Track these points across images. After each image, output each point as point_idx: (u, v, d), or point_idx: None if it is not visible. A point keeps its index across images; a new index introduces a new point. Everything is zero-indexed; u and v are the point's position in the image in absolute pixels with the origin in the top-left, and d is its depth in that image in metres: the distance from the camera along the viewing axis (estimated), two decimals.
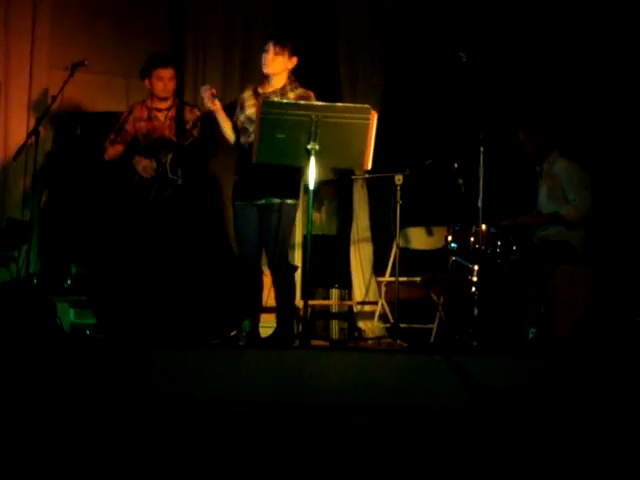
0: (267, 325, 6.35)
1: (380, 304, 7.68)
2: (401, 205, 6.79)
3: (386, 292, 7.68)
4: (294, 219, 6.26)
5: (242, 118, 6.06)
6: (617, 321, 6.01)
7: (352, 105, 5.85)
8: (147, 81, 6.49)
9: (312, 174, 5.37)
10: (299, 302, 7.06)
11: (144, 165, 6.36)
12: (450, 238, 6.27)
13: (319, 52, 7.98)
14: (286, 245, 6.07)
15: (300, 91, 6.00)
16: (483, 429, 4.39)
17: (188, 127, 6.41)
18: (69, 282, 7.41)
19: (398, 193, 6.77)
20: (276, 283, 6.11)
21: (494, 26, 7.81)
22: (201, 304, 6.76)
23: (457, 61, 5.83)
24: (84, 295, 7.13)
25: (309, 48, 6.80)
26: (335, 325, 8.28)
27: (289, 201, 5.99)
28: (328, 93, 6.56)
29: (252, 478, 4.06)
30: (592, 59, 7.44)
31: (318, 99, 5.88)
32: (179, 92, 7.09)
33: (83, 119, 7.88)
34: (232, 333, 6.53)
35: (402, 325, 6.90)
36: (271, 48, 5.94)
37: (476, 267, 5.92)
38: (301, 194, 6.64)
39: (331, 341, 7.80)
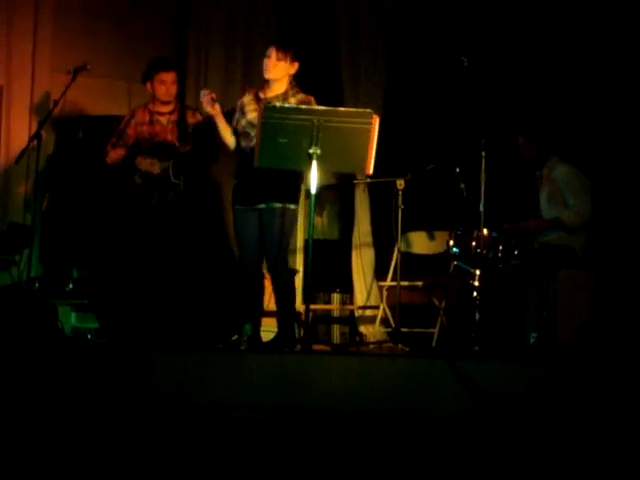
0: (268, 329, 6.35)
1: (382, 308, 7.69)
2: (403, 210, 6.79)
3: (388, 296, 7.69)
4: (294, 224, 6.26)
5: (243, 122, 6.06)
6: (619, 325, 6.01)
7: (354, 110, 5.86)
8: (149, 85, 6.49)
9: (314, 178, 5.37)
10: (300, 306, 7.06)
11: (150, 161, 6.35)
12: (452, 242, 6.27)
13: (321, 55, 7.99)
14: (286, 249, 6.06)
15: (301, 96, 6.00)
16: (485, 434, 4.39)
17: (189, 131, 6.42)
18: (71, 286, 7.41)
19: (400, 197, 6.78)
20: (276, 287, 6.11)
21: (495, 30, 7.82)
22: (202, 308, 6.76)
23: (459, 65, 5.84)
24: (86, 299, 7.13)
25: (311, 51, 6.82)
26: (337, 329, 8.28)
27: (290, 206, 5.99)
28: (330, 97, 6.57)
29: None
30: (591, 63, 7.46)
31: (319, 103, 5.88)
32: (181, 96, 7.09)
33: (85, 123, 7.89)
34: (233, 337, 6.54)
35: (404, 329, 6.90)
36: (273, 54, 5.94)
37: (478, 272, 5.92)
38: (302, 199, 6.65)
39: (332, 345, 7.80)
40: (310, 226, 5.45)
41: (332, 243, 8.63)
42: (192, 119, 6.48)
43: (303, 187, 6.47)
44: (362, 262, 8.04)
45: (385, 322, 7.68)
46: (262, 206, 5.98)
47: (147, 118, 6.50)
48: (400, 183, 6.84)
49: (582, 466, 4.15)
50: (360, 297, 8.04)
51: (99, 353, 5.02)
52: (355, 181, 7.85)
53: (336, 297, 8.28)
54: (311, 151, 5.34)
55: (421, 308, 7.53)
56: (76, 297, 7.28)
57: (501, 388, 4.51)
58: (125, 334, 6.30)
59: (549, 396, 4.50)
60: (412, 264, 7.43)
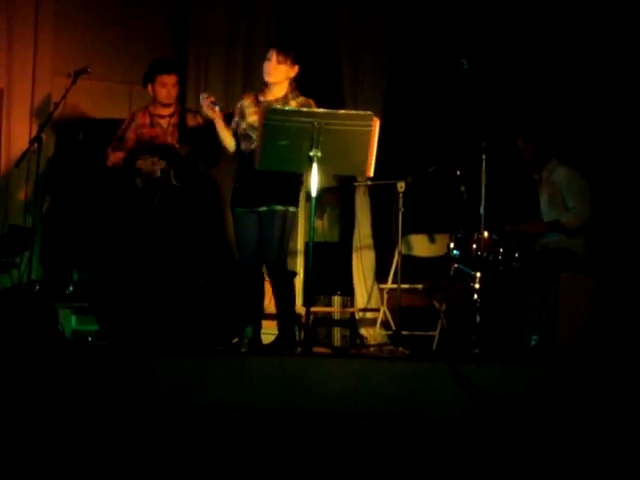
0: (269, 332, 6.34)
1: (382, 311, 7.68)
2: (403, 212, 6.79)
3: (388, 299, 7.68)
4: (294, 226, 6.27)
5: (244, 125, 6.06)
6: (619, 328, 6.01)
7: (354, 112, 5.86)
8: (150, 87, 6.49)
9: (314, 181, 5.37)
10: (301, 309, 7.06)
11: (152, 160, 6.35)
12: (452, 245, 6.28)
13: (321, 58, 7.99)
14: (285, 252, 6.06)
15: (301, 99, 6.01)
16: (485, 437, 4.39)
17: (189, 134, 6.42)
18: (71, 288, 7.41)
19: (400, 200, 6.77)
20: (275, 290, 6.12)
21: (495, 33, 7.82)
22: (203, 311, 6.75)
23: (459, 68, 5.84)
24: (86, 301, 7.13)
25: (311, 53, 6.82)
26: (337, 332, 8.27)
27: (289, 208, 5.99)
28: (330, 99, 6.57)
29: None
30: (590, 66, 7.46)
31: (319, 106, 5.88)
32: (181, 98, 7.10)
33: (86, 125, 7.89)
34: (234, 340, 6.53)
35: (404, 332, 6.89)
36: (274, 57, 5.94)
37: (478, 274, 5.92)
38: (302, 201, 6.65)
39: (333, 348, 7.80)
40: (311, 229, 5.45)
41: (333, 246, 8.62)
42: (192, 121, 6.48)
43: (303, 189, 6.48)
44: (363, 265, 8.03)
45: (386, 325, 7.67)
46: (263, 209, 5.98)
47: (147, 121, 6.51)
48: (401, 186, 6.83)
49: (582, 468, 4.15)
50: (361, 300, 8.03)
51: (99, 356, 5.01)
52: (356, 183, 7.85)
53: (337, 300, 8.27)
54: (312, 153, 5.34)
55: (422, 311, 7.52)
56: (76, 300, 7.28)
57: (501, 391, 4.51)
58: (125, 337, 6.30)
59: (549, 399, 4.50)
60: (413, 267, 7.43)
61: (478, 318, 5.74)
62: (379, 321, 7.70)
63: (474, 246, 6.01)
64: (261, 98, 6.07)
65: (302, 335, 6.47)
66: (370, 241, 8.04)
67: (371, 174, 5.56)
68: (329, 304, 8.27)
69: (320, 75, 7.69)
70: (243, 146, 6.06)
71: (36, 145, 6.30)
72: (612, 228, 7.09)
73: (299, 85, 6.08)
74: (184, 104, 7.27)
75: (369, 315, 7.97)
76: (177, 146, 6.40)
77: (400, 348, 6.61)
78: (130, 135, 6.50)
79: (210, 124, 6.09)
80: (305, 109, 5.70)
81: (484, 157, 5.69)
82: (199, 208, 6.62)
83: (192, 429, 4.53)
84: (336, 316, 8.34)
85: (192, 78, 8.11)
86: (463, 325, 6.34)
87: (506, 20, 7.79)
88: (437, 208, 7.76)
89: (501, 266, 6.11)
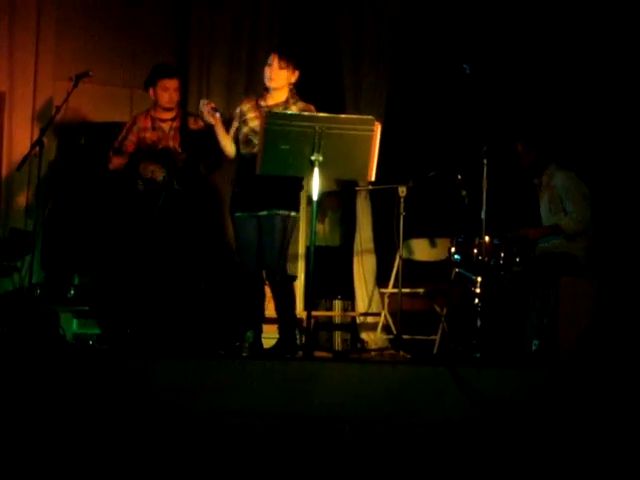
0: (270, 336, 6.35)
1: (383, 315, 7.69)
2: (404, 216, 6.78)
3: (389, 303, 7.69)
4: (294, 231, 6.27)
5: (245, 130, 6.06)
6: (620, 333, 6.01)
7: (356, 116, 5.88)
8: (152, 91, 6.49)
9: (316, 185, 5.37)
10: (302, 313, 7.06)
11: (152, 169, 6.36)
12: (453, 250, 6.29)
13: (323, 62, 8.00)
14: (285, 256, 6.07)
15: (302, 105, 6.02)
16: (486, 441, 4.39)
17: (191, 138, 6.43)
18: (72, 292, 7.41)
19: (401, 204, 6.77)
20: (275, 294, 6.13)
21: (497, 38, 7.83)
22: (204, 315, 6.75)
23: (461, 73, 5.84)
24: (87, 305, 7.12)
25: (313, 58, 6.82)
26: (338, 336, 8.27)
27: (290, 213, 6.00)
28: (332, 104, 6.57)
29: None
30: (590, 71, 7.46)
31: (321, 110, 5.89)
32: (183, 102, 7.10)
33: (87, 129, 7.89)
34: (235, 344, 6.53)
35: (405, 336, 6.89)
36: (275, 62, 5.95)
37: (479, 279, 5.92)
38: (303, 205, 6.65)
39: (334, 352, 7.79)
40: (312, 233, 5.45)
41: (334, 250, 8.63)
42: (194, 125, 6.48)
43: (305, 194, 6.48)
44: (364, 269, 8.03)
45: (386, 329, 7.67)
46: (263, 213, 5.98)
47: (149, 124, 6.51)
48: (402, 190, 6.82)
49: (583, 473, 4.14)
50: (361, 304, 8.04)
51: (100, 359, 5.01)
52: (357, 188, 7.85)
53: (337, 304, 8.28)
54: (313, 158, 5.34)
55: (422, 315, 7.52)
56: (78, 303, 7.28)
57: (502, 395, 4.51)
58: (126, 341, 6.30)
59: (550, 403, 4.50)
60: (414, 271, 7.43)
61: (479, 322, 5.75)
62: (380, 325, 7.70)
63: (475, 250, 6.02)
64: (261, 103, 6.07)
65: (303, 339, 6.48)
66: (371, 245, 8.04)
67: (372, 178, 5.56)
68: (330, 308, 8.28)
69: (322, 79, 7.70)
70: (244, 151, 6.06)
71: (37, 149, 6.30)
72: (612, 232, 7.10)
73: (300, 89, 6.09)
74: (186, 108, 7.28)
75: (370, 319, 7.97)
76: (179, 150, 6.41)
77: (401, 352, 6.61)
78: (132, 138, 6.51)
79: (211, 128, 6.09)
80: (307, 113, 5.70)
81: (485, 162, 5.70)
82: (200, 211, 6.62)
83: (193, 433, 4.52)
84: (337, 320, 8.34)
85: (194, 81, 8.09)
86: (464, 329, 6.35)
87: (508, 26, 7.80)
88: (438, 212, 7.76)
89: (502, 271, 6.11)
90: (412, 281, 7.36)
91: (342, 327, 8.30)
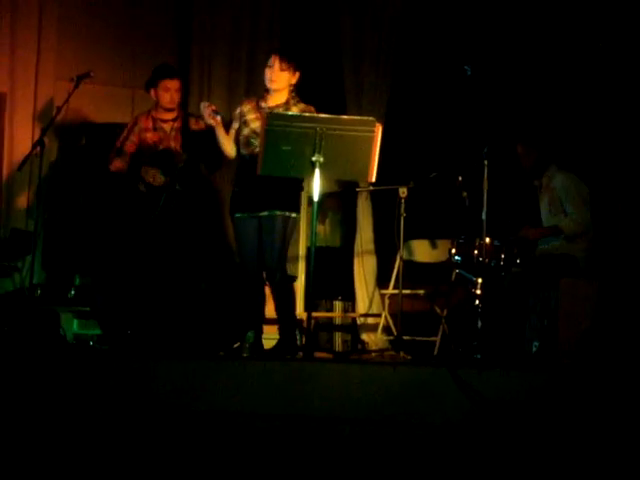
0: (270, 337, 6.35)
1: (383, 316, 7.69)
2: (405, 218, 6.78)
3: (390, 304, 7.69)
4: (294, 231, 6.26)
5: (246, 132, 6.06)
6: (621, 334, 6.01)
7: (357, 117, 5.88)
8: (153, 92, 6.49)
9: (316, 186, 5.37)
10: (302, 314, 7.06)
11: (153, 173, 6.37)
12: (454, 251, 6.29)
13: (324, 63, 8.00)
14: (284, 257, 6.07)
15: (302, 106, 6.02)
16: (486, 442, 4.39)
17: (192, 139, 6.43)
18: (73, 293, 7.41)
19: (402, 206, 6.76)
20: (275, 295, 6.13)
21: (498, 40, 7.83)
22: (204, 316, 6.75)
23: (462, 74, 5.84)
24: (88, 306, 7.13)
25: (314, 59, 6.81)
26: (338, 337, 8.27)
27: (291, 214, 6.00)
28: (333, 105, 6.57)
29: None
30: (591, 73, 7.47)
31: (322, 111, 5.88)
32: (184, 103, 7.10)
33: (88, 130, 7.90)
34: (236, 345, 6.53)
35: (405, 338, 6.89)
36: (276, 63, 5.95)
37: (480, 280, 5.92)
38: (304, 206, 6.65)
39: (334, 353, 7.80)
40: (312, 233, 5.45)
41: (334, 251, 8.63)
42: (195, 126, 6.48)
43: (305, 195, 6.48)
44: (364, 270, 8.03)
45: (387, 330, 7.67)
46: (264, 214, 5.98)
47: (150, 125, 6.51)
48: (403, 191, 6.82)
49: (584, 474, 4.15)
50: (362, 305, 8.03)
51: (101, 360, 5.01)
52: (358, 189, 7.85)
53: (338, 305, 8.28)
54: (314, 159, 5.34)
55: (423, 316, 7.52)
56: (78, 304, 7.28)
57: (503, 396, 4.51)
58: (127, 341, 6.30)
59: (551, 405, 4.50)
60: (414, 272, 7.44)
61: (479, 324, 5.74)
62: (380, 326, 7.70)
63: (476, 252, 6.02)
64: (262, 104, 6.07)
65: (303, 340, 6.47)
66: (372, 246, 8.04)
67: (373, 179, 5.56)
68: (330, 309, 8.28)
69: (323, 80, 7.70)
70: (244, 151, 6.06)
71: (38, 149, 6.30)
72: (612, 233, 7.10)
73: (302, 90, 6.09)
74: (187, 108, 7.28)
75: (370, 320, 7.97)
76: (180, 151, 6.41)
77: (401, 353, 6.61)
78: (133, 139, 6.51)
79: (212, 129, 6.09)
80: (308, 114, 5.70)
81: (486, 163, 5.70)
82: (201, 212, 6.62)
83: (193, 434, 4.53)
84: (337, 321, 8.35)
85: (195, 80, 8.09)
86: (464, 331, 6.34)
87: (509, 27, 7.80)
88: (439, 214, 7.77)
89: (502, 272, 6.11)
90: (413, 282, 7.36)
91: (342, 328, 8.30)
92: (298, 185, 6.08)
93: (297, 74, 6.03)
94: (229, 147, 6.10)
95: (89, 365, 4.91)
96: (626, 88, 7.25)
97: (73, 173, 7.81)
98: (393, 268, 7.53)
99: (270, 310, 6.33)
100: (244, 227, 6.07)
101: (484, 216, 5.72)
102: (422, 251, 7.72)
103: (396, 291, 7.17)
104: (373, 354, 7.34)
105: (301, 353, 5.80)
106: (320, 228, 8.43)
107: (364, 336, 7.97)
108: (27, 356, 5.06)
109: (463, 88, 5.93)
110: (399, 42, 7.99)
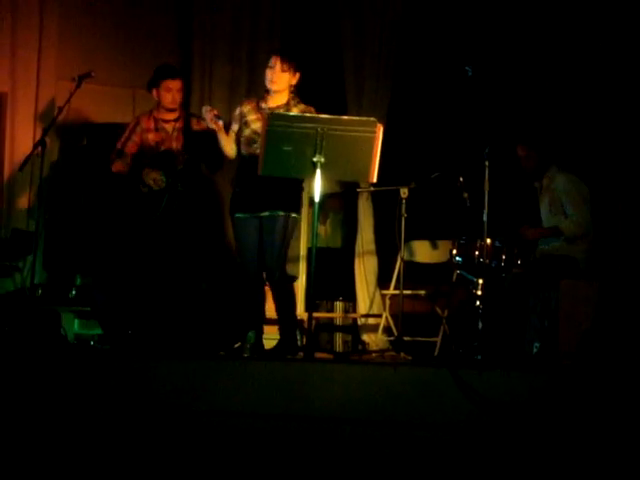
0: (271, 337, 6.35)
1: (384, 317, 7.69)
2: (406, 218, 6.78)
3: (390, 305, 7.68)
4: (294, 232, 6.26)
5: (247, 133, 6.06)
6: (621, 335, 6.01)
7: (358, 118, 5.88)
8: (155, 92, 6.49)
9: (317, 187, 5.37)
10: (303, 314, 7.06)
11: (154, 177, 6.37)
12: (455, 252, 6.28)
13: (325, 64, 8.00)
14: (285, 257, 6.07)
15: (302, 107, 6.02)
16: (487, 443, 4.39)
17: (193, 139, 6.43)
18: (74, 293, 7.42)
19: (403, 206, 6.76)
20: (275, 295, 6.13)
21: (499, 40, 7.83)
22: (205, 316, 6.76)
23: (463, 75, 5.84)
24: (89, 306, 7.13)
25: (315, 59, 6.81)
26: (339, 338, 8.27)
27: (292, 214, 6.00)
28: (334, 106, 6.57)
29: None
30: (591, 74, 7.47)
31: (322, 112, 5.88)
32: (185, 103, 7.10)
33: (89, 130, 7.90)
34: (236, 345, 6.53)
35: (406, 338, 6.89)
36: (277, 64, 5.95)
37: (481, 281, 5.92)
38: (305, 206, 6.65)
39: (335, 354, 7.80)
40: (313, 234, 5.45)
41: (335, 251, 8.63)
42: (197, 126, 6.48)
43: (306, 195, 6.48)
44: (365, 270, 8.03)
45: (388, 330, 7.67)
46: (265, 214, 5.98)
47: (152, 125, 6.51)
48: (404, 192, 6.82)
49: (584, 474, 4.15)
50: (363, 305, 8.03)
51: (102, 360, 5.01)
52: (359, 189, 7.84)
53: (339, 305, 8.28)
54: (315, 159, 5.34)
55: (424, 317, 7.53)
56: (79, 304, 7.28)
57: (503, 397, 4.51)
58: (128, 341, 6.31)
59: (551, 405, 4.50)
60: (415, 273, 7.44)
61: (480, 324, 5.74)
62: (381, 327, 7.70)
63: (477, 253, 6.02)
64: (262, 105, 6.08)
65: (304, 340, 6.47)
66: (372, 247, 8.04)
67: (374, 180, 5.56)
68: (331, 310, 8.28)
69: (323, 81, 7.71)
70: (244, 151, 6.07)
71: (40, 149, 6.30)
72: (613, 235, 7.10)
73: (302, 91, 6.09)
74: (188, 108, 7.28)
75: (371, 321, 7.97)
76: (182, 151, 6.41)
77: (402, 354, 6.61)
78: (134, 139, 6.51)
79: (214, 132, 6.09)
80: (309, 115, 5.70)
81: (487, 164, 5.70)
82: (202, 212, 6.62)
83: (194, 434, 4.53)
84: (338, 322, 8.34)
85: (197, 83, 8.10)
86: (465, 331, 6.34)
87: (510, 28, 7.80)
88: (440, 214, 7.77)
89: (503, 273, 6.11)
90: (413, 283, 7.36)
91: (343, 328, 8.30)
92: (299, 185, 6.09)
93: (297, 75, 6.03)
94: (230, 149, 6.10)
95: (90, 365, 4.91)
96: (626, 89, 7.25)
97: (74, 173, 7.81)
98: (394, 269, 7.53)
99: (271, 310, 6.34)
100: (244, 227, 6.07)
101: (485, 217, 5.72)
102: (423, 252, 7.73)
103: (397, 292, 7.17)
104: (374, 355, 7.32)
105: (302, 353, 5.80)
106: (321, 229, 8.44)
107: (365, 336, 7.97)
108: (28, 356, 5.06)
109: (464, 89, 5.93)
110: (400, 43, 7.98)
